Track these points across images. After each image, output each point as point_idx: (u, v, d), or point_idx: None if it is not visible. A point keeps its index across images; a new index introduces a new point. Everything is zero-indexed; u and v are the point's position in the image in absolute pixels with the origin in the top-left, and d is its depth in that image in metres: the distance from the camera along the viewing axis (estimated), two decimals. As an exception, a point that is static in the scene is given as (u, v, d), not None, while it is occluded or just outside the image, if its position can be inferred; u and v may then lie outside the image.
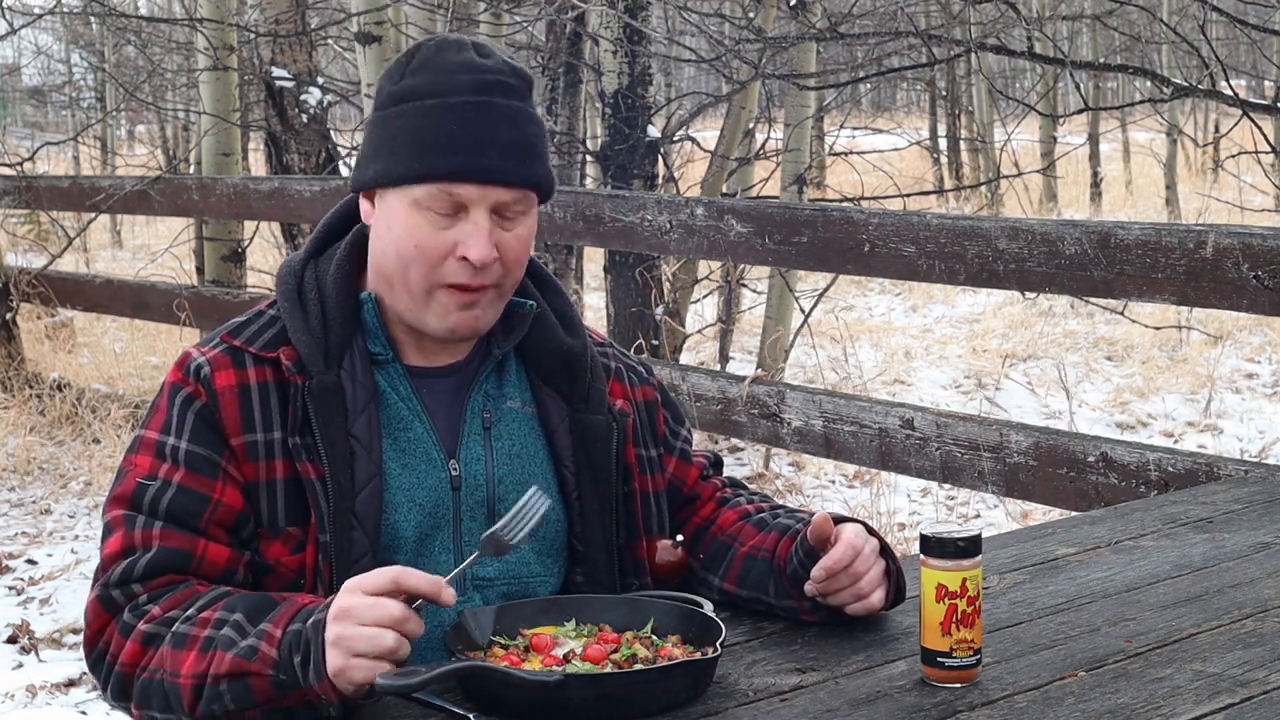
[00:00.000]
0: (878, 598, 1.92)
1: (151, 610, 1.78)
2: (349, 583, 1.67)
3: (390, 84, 1.90)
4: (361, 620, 1.63)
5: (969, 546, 1.75)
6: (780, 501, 2.20)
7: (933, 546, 1.76)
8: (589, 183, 8.84)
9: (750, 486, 2.23)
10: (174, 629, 1.75)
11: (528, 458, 1.99)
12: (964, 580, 1.75)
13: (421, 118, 1.86)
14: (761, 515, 2.09)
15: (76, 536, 5.88)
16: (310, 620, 1.67)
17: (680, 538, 2.04)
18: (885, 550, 1.95)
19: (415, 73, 1.89)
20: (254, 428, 1.87)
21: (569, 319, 2.03)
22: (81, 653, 4.60)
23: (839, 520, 1.94)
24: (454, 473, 1.94)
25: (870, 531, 1.94)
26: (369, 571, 1.68)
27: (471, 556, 1.77)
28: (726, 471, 2.26)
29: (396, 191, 1.87)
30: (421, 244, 1.86)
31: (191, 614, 1.76)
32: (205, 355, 1.90)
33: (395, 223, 1.88)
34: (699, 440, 6.10)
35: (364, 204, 1.95)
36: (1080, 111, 6.39)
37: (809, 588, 1.92)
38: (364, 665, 1.62)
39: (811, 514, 2.02)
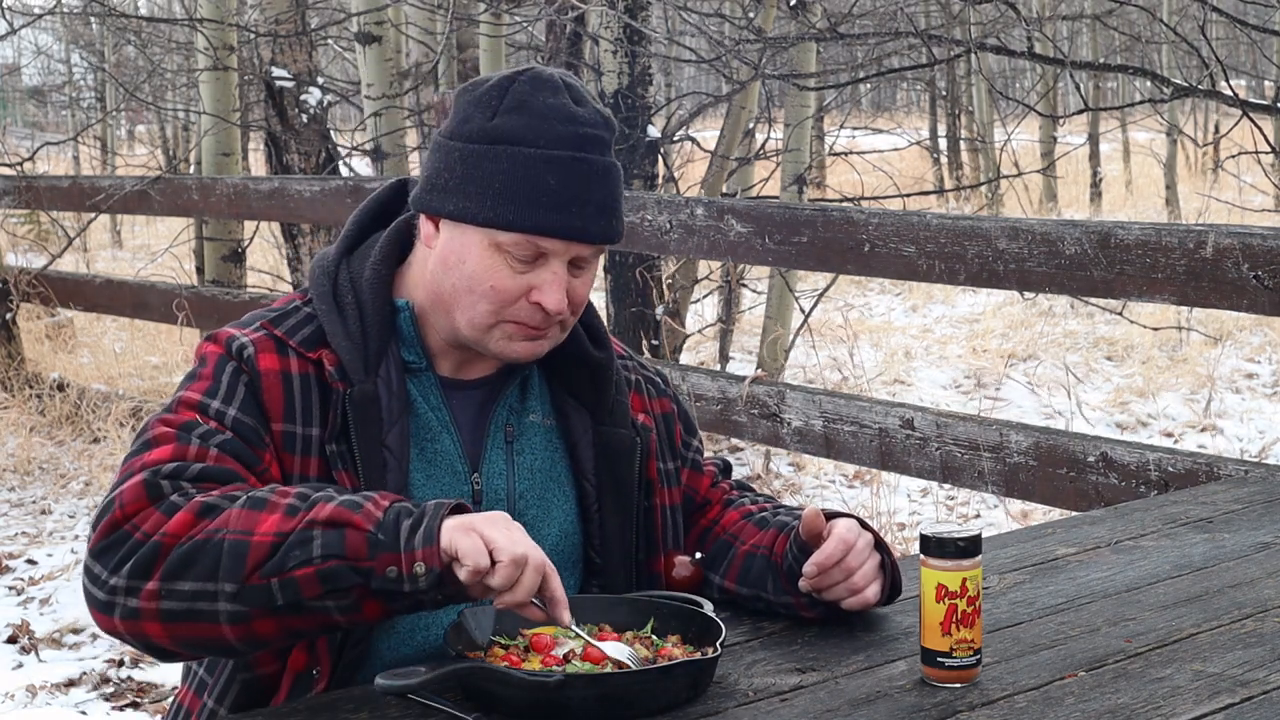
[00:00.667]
0: (873, 592, 1.92)
1: (209, 492, 1.72)
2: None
3: (483, 119, 1.87)
4: (512, 532, 1.67)
5: (969, 546, 1.75)
6: (784, 502, 2.21)
7: (933, 546, 1.76)
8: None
9: (755, 488, 2.24)
10: (249, 494, 1.70)
11: (548, 472, 1.99)
12: (964, 580, 1.75)
13: (519, 166, 1.83)
14: (763, 514, 2.09)
15: (76, 536, 5.88)
16: (432, 501, 1.70)
17: (699, 555, 2.05)
18: (880, 545, 1.95)
19: (510, 112, 1.86)
20: (294, 419, 1.84)
21: (596, 331, 2.03)
22: (80, 640, 4.64)
23: (831, 516, 1.94)
24: (476, 486, 1.93)
25: (864, 526, 1.94)
26: None
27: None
28: None
29: (478, 230, 1.86)
30: (498, 286, 1.86)
31: (264, 490, 1.72)
32: (248, 336, 1.87)
33: (470, 258, 1.87)
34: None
35: (426, 225, 1.92)
36: (1080, 112, 6.38)
37: (803, 584, 1.92)
38: (477, 545, 1.64)
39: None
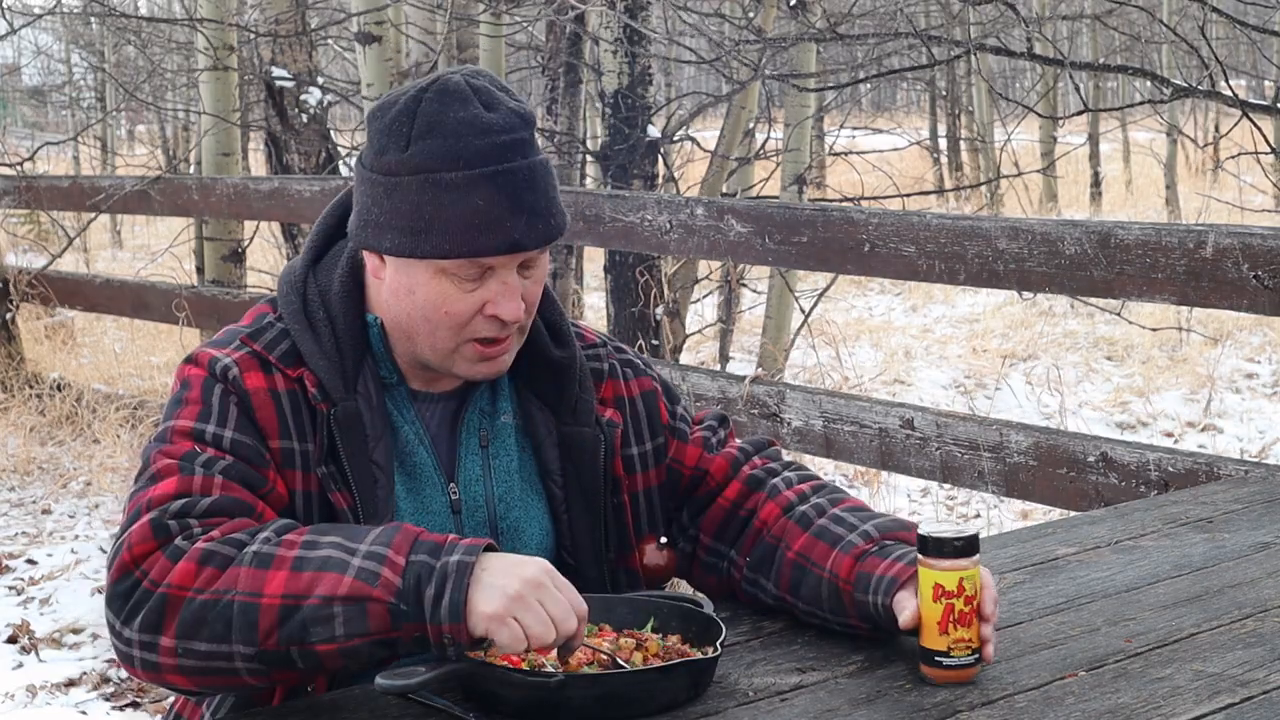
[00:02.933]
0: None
1: (210, 533, 1.68)
2: (545, 563, 1.67)
3: (398, 150, 1.81)
4: (546, 602, 1.64)
5: (966, 546, 1.75)
6: (816, 475, 2.07)
7: (930, 546, 1.76)
8: (589, 183, 8.84)
9: (774, 451, 2.11)
10: (253, 549, 1.66)
11: (524, 472, 1.97)
12: (961, 580, 1.75)
13: (443, 193, 1.79)
14: (804, 509, 1.98)
15: (76, 536, 5.88)
16: (453, 558, 1.64)
17: (664, 539, 2.03)
18: None
19: (424, 138, 1.80)
20: (289, 435, 1.82)
21: (558, 329, 1.99)
22: (80, 640, 4.64)
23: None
24: (454, 496, 1.92)
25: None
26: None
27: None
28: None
29: (420, 261, 1.83)
30: (452, 310, 1.84)
31: (270, 535, 1.68)
32: (230, 356, 1.84)
33: (418, 288, 1.84)
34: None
35: (371, 259, 1.89)
36: (1080, 112, 6.37)
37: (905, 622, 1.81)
38: (516, 636, 1.62)
39: (858, 516, 1.95)
